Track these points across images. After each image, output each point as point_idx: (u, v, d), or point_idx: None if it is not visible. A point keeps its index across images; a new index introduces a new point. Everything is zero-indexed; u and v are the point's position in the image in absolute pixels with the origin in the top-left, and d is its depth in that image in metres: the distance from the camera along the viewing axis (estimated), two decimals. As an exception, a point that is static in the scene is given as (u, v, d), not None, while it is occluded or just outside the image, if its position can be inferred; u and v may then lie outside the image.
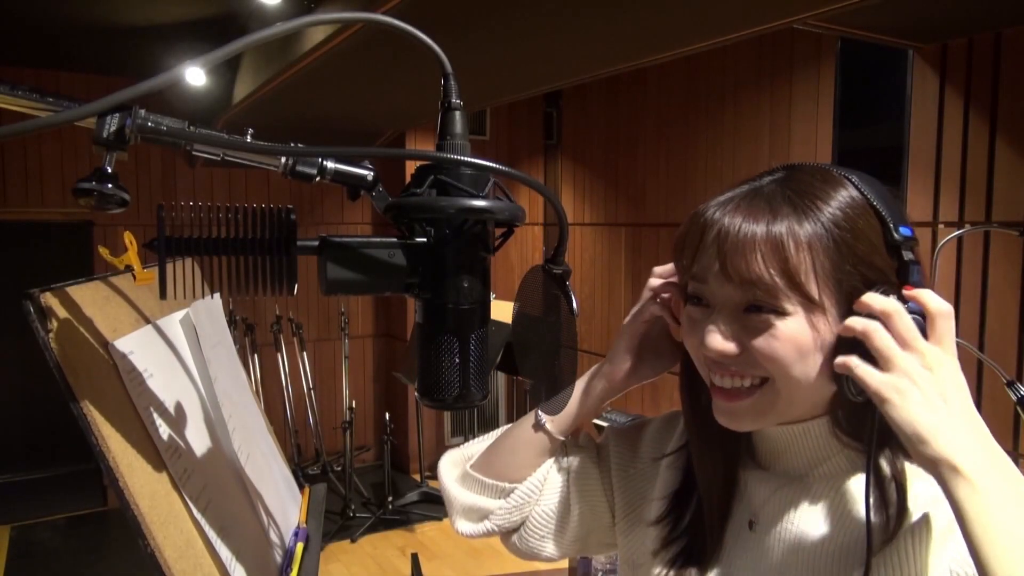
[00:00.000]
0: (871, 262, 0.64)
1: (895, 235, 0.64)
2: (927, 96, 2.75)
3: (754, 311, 0.65)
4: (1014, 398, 1.77)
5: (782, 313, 0.64)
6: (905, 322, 0.61)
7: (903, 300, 0.62)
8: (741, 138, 3.57)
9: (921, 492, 0.67)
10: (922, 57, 2.75)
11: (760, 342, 0.64)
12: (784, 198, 0.65)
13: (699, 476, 0.78)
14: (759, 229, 0.63)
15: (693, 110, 3.84)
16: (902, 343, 0.60)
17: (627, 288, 4.24)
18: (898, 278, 0.64)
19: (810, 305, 0.63)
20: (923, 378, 0.60)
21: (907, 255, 0.64)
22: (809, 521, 0.70)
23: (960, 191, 2.67)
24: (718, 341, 0.66)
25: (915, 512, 0.66)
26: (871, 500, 0.64)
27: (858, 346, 0.62)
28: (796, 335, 0.64)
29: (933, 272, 2.45)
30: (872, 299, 0.62)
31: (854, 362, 0.62)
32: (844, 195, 0.65)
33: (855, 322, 0.62)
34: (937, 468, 0.58)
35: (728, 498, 0.76)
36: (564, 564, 2.15)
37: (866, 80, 3.04)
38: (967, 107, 2.64)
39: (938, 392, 0.60)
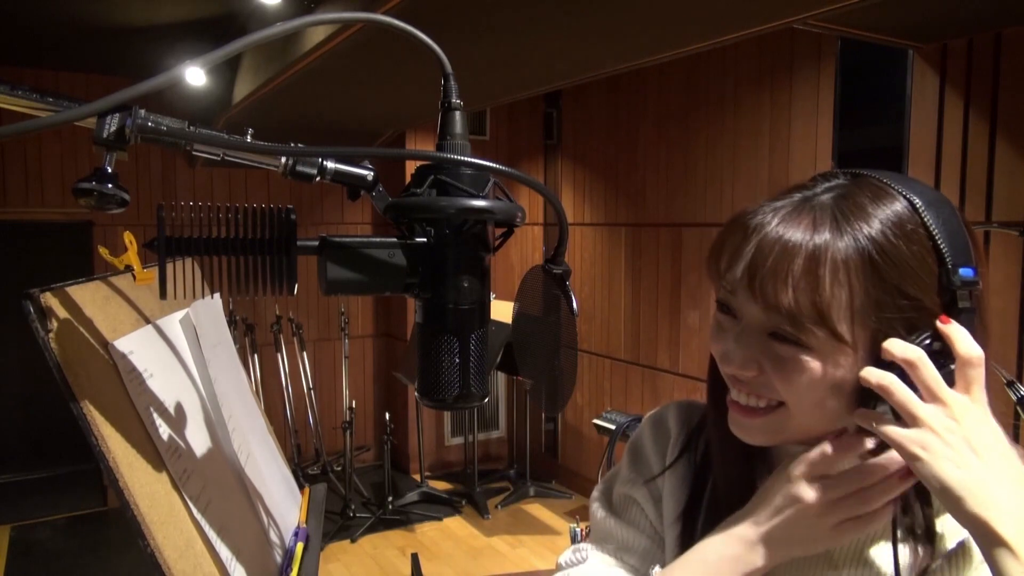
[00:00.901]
0: (918, 303, 0.59)
1: (952, 278, 0.58)
2: (927, 96, 2.75)
3: (778, 339, 0.62)
4: (1014, 398, 1.77)
5: (806, 346, 0.60)
6: (928, 372, 0.57)
7: (937, 339, 0.58)
8: (741, 138, 3.57)
9: (951, 522, 0.64)
10: (922, 57, 2.75)
11: (779, 371, 0.61)
12: (831, 219, 0.59)
13: (720, 482, 0.75)
14: (796, 255, 0.59)
15: (693, 110, 3.84)
16: (926, 394, 0.57)
17: (627, 288, 4.24)
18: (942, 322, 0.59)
19: (838, 343, 0.59)
20: (950, 431, 0.56)
21: (963, 302, 0.58)
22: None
23: (960, 191, 2.67)
24: (737, 363, 0.64)
25: (947, 543, 0.64)
26: (898, 536, 0.61)
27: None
28: (818, 370, 0.60)
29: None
30: (894, 346, 0.58)
31: (875, 418, 0.59)
32: (899, 223, 0.59)
33: (871, 375, 0.58)
34: (973, 529, 0.55)
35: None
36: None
37: (866, 80, 3.03)
38: (967, 107, 2.64)
39: (967, 445, 0.56)
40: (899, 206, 0.60)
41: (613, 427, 3.22)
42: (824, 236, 0.59)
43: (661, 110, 4.04)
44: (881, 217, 0.59)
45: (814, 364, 0.60)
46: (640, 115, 4.17)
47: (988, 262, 2.59)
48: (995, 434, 0.58)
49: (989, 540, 0.54)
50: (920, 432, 0.57)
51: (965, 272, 0.58)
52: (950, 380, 0.58)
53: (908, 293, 0.59)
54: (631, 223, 4.24)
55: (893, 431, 0.58)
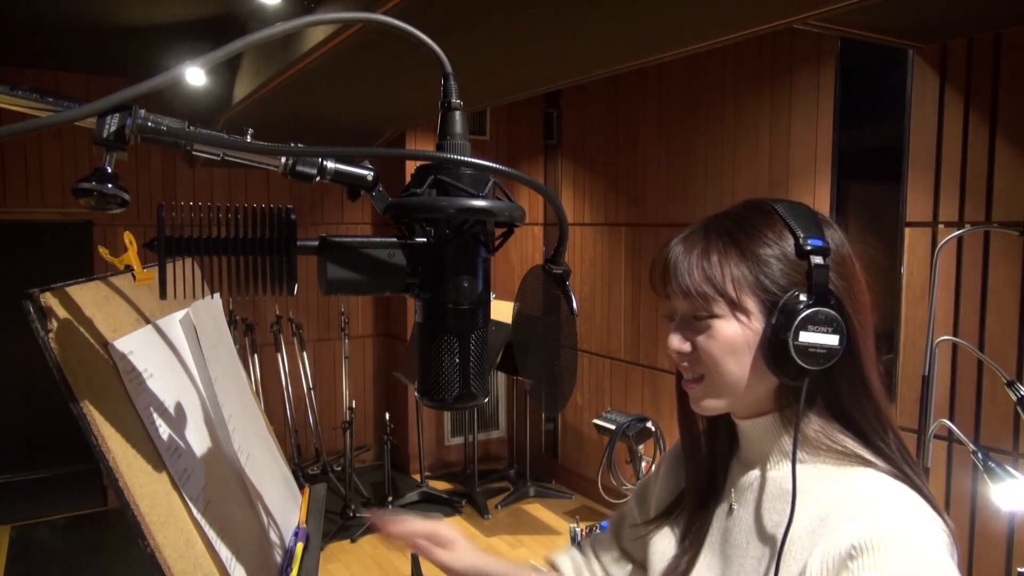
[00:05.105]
0: (785, 271, 0.79)
1: (803, 244, 0.78)
2: (927, 96, 2.74)
3: (699, 319, 0.81)
4: (1014, 398, 1.77)
5: (717, 317, 0.79)
6: None
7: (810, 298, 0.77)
8: (741, 138, 3.57)
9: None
10: (922, 57, 2.75)
11: (701, 341, 0.81)
12: (716, 230, 0.81)
13: (687, 468, 0.93)
14: (693, 254, 0.81)
15: (693, 110, 3.84)
16: None
17: (627, 288, 4.24)
18: (807, 279, 0.78)
19: (737, 309, 0.79)
20: None
21: (815, 260, 0.77)
22: (766, 508, 0.81)
23: (960, 191, 2.67)
24: (676, 342, 0.84)
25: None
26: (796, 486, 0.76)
27: (782, 346, 0.75)
28: (728, 335, 0.79)
29: (933, 272, 2.45)
30: None
31: None
32: (766, 219, 0.81)
33: None
34: None
35: (711, 486, 0.89)
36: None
37: (866, 80, 3.03)
38: (967, 107, 2.64)
39: None
40: (766, 209, 0.82)
41: (613, 427, 3.22)
42: (712, 238, 0.81)
43: (661, 110, 4.04)
44: (752, 219, 0.82)
45: (725, 329, 0.79)
46: (640, 115, 4.17)
47: (988, 262, 2.60)
48: None
49: None
50: None
51: (814, 241, 0.79)
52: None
53: (779, 266, 0.79)
54: (631, 223, 4.24)
55: None
